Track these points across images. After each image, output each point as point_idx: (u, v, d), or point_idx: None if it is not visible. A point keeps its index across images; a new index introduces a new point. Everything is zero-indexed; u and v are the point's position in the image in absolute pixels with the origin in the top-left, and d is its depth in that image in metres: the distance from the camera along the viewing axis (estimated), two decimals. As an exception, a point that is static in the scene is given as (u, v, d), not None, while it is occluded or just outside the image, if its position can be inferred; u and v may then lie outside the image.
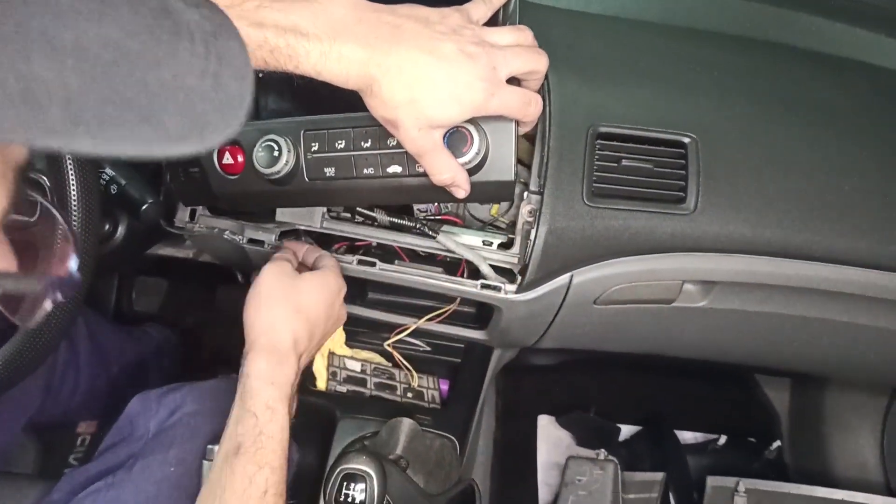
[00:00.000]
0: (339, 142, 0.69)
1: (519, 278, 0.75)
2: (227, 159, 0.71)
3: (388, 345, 0.92)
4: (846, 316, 0.81)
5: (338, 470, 0.68)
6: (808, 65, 0.85)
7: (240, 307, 1.18)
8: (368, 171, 0.68)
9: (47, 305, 0.37)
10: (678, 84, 0.79)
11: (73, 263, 0.39)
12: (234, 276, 1.15)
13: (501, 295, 0.76)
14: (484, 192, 0.67)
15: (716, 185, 0.73)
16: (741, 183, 0.73)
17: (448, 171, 0.60)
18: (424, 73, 0.53)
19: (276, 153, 0.68)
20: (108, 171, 0.75)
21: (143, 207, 0.76)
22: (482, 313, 0.91)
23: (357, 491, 0.67)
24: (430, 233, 0.76)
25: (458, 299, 0.87)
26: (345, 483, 0.67)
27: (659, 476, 1.12)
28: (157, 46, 0.30)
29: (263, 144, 0.69)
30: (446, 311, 0.88)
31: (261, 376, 0.62)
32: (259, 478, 0.58)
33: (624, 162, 0.73)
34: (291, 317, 0.65)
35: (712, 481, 1.12)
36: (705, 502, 1.10)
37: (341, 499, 0.68)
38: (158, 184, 0.82)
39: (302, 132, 0.70)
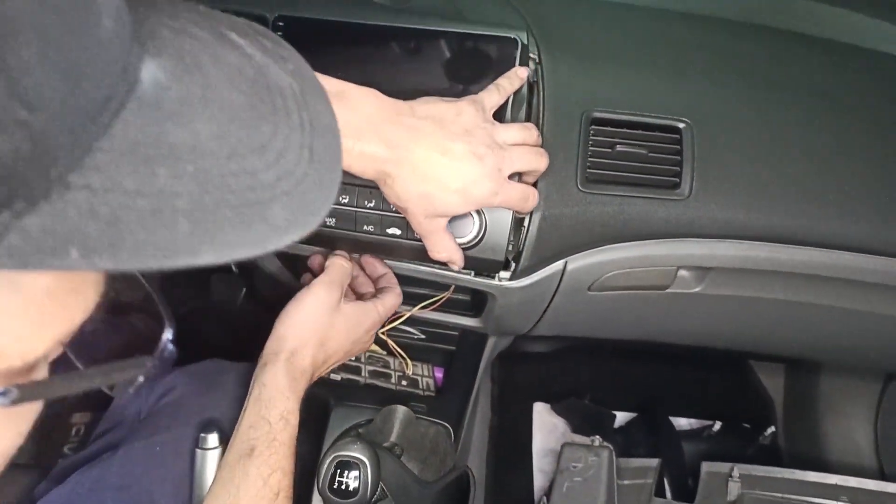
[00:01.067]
0: (344, 196, 0.71)
1: (513, 265, 0.74)
2: None
3: (383, 333, 0.91)
4: (841, 301, 0.81)
5: (331, 457, 0.68)
6: (802, 49, 0.85)
7: (234, 295, 1.18)
8: (368, 227, 0.72)
9: (140, 379, 0.34)
10: (673, 69, 0.79)
11: (167, 336, 0.36)
12: (228, 264, 1.14)
13: (495, 282, 0.76)
14: (475, 264, 0.72)
15: (710, 170, 0.73)
16: (736, 168, 0.73)
17: (446, 251, 0.65)
18: (436, 171, 0.58)
19: None
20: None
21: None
22: (477, 301, 0.91)
23: (350, 478, 0.67)
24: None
25: (453, 287, 0.87)
26: (338, 470, 0.67)
27: (654, 462, 1.13)
28: (261, 127, 0.28)
29: None
30: (441, 299, 0.88)
31: (279, 388, 0.65)
32: (272, 480, 0.60)
33: (618, 147, 0.73)
34: (316, 345, 0.69)
35: (707, 467, 1.12)
36: (700, 488, 1.11)
37: (335, 486, 0.68)
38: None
39: None
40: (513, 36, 0.73)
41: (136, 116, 0.24)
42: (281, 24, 0.73)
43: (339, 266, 0.74)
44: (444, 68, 0.73)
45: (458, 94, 0.66)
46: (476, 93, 0.66)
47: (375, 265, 0.80)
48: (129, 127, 0.24)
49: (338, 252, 0.76)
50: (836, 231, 0.74)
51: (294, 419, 0.66)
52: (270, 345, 0.69)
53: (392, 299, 0.77)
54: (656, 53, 0.80)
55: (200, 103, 0.26)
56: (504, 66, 0.72)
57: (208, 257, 0.25)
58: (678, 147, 0.73)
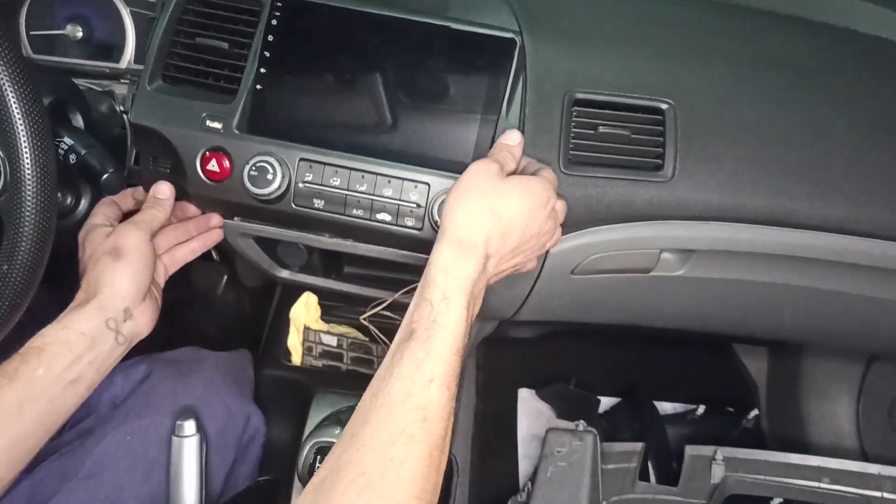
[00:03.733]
0: (335, 178, 0.70)
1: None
2: (213, 166, 0.71)
3: (365, 319, 0.90)
4: (823, 282, 0.81)
5: (311, 443, 0.67)
6: (787, 29, 0.84)
7: (215, 283, 1.16)
8: (358, 212, 0.71)
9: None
10: (656, 50, 0.78)
11: None
12: (209, 252, 1.13)
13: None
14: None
15: (693, 151, 0.72)
16: (719, 149, 0.72)
17: None
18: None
19: (269, 176, 0.69)
20: (67, 139, 0.72)
21: (105, 177, 0.73)
22: (459, 285, 0.90)
23: (331, 465, 0.66)
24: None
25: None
26: (318, 456, 0.67)
27: (638, 446, 1.13)
28: None
29: (257, 164, 0.69)
30: (423, 284, 0.87)
31: (441, 265, 0.61)
32: (426, 365, 0.56)
33: (601, 129, 0.72)
34: (485, 215, 0.63)
35: (690, 450, 1.12)
36: (683, 471, 1.11)
37: (315, 472, 0.67)
38: (121, 151, 0.79)
39: (298, 159, 0.70)
40: (510, 36, 0.72)
41: None
42: (279, 4, 0.72)
43: (497, 150, 0.68)
44: (435, 61, 0.72)
45: (447, 90, 0.69)
46: (464, 90, 0.69)
47: (532, 164, 0.72)
48: None
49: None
50: (819, 212, 0.73)
51: (460, 299, 0.60)
52: (440, 229, 0.64)
53: (551, 175, 0.69)
54: (640, 34, 0.79)
55: None
56: (500, 64, 0.72)
57: None
58: (661, 128, 0.72)
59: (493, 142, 0.71)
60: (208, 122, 0.71)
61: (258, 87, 0.72)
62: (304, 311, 1.02)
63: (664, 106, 0.73)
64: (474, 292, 0.61)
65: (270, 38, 0.72)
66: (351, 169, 0.70)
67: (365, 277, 0.94)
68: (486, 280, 0.64)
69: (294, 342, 0.99)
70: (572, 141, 0.72)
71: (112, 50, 0.84)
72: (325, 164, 0.70)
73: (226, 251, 1.04)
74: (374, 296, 0.91)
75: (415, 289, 0.87)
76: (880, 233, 0.75)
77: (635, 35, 0.79)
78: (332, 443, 0.67)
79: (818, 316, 0.89)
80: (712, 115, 0.74)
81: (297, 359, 0.99)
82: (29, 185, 0.57)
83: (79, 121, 0.79)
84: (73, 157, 0.72)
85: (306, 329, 1.00)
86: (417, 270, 0.86)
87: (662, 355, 1.48)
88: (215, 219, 0.80)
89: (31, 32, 0.84)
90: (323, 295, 1.04)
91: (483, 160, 0.65)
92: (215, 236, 0.81)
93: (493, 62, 0.72)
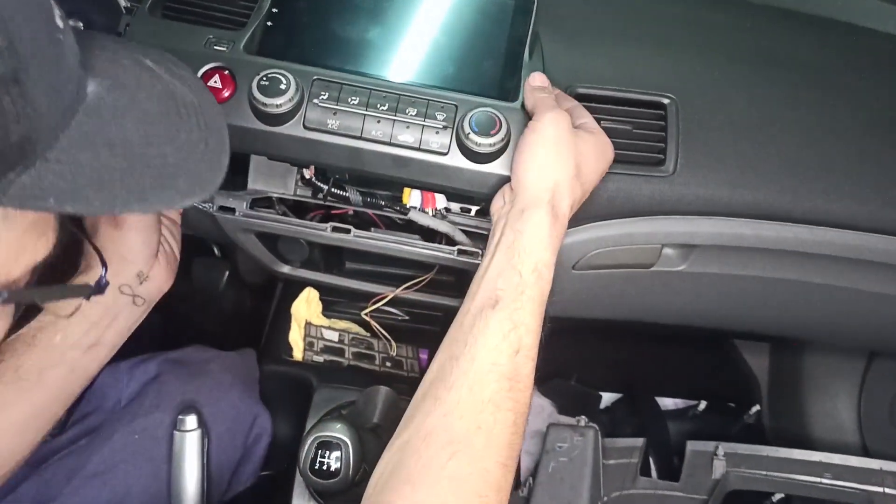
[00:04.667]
0: (353, 98, 0.65)
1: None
2: (215, 82, 0.65)
3: (366, 314, 0.90)
4: (825, 278, 0.81)
5: (312, 437, 0.67)
6: (788, 24, 0.84)
7: (216, 279, 1.16)
8: (377, 133, 0.65)
9: (83, 300, 0.51)
10: (658, 44, 0.78)
11: (102, 272, 0.51)
12: (210, 248, 1.13)
13: (478, 261, 0.75)
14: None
15: (695, 146, 0.72)
16: (720, 144, 0.72)
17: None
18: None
19: (282, 86, 0.63)
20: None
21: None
22: (461, 281, 0.90)
23: (332, 458, 0.67)
24: (401, 210, 0.75)
25: (437, 267, 0.86)
26: (319, 451, 0.67)
27: (639, 442, 1.13)
28: (171, 125, 0.42)
29: (269, 75, 0.64)
30: (424, 279, 0.87)
31: (537, 235, 0.59)
32: (514, 336, 0.56)
33: (602, 124, 0.71)
34: (573, 179, 0.61)
35: (692, 446, 1.12)
36: (685, 466, 1.11)
37: (316, 466, 0.67)
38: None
39: (313, 78, 0.66)
40: None
41: (85, 117, 0.37)
42: None
43: (542, 95, 0.66)
44: (449, 16, 0.72)
45: (460, 43, 0.68)
46: (477, 43, 0.69)
47: (577, 111, 0.70)
48: (81, 124, 0.37)
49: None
50: (821, 207, 0.73)
51: (548, 273, 0.59)
52: (523, 191, 0.61)
53: (588, 114, 0.68)
54: (641, 29, 0.79)
55: (127, 110, 0.40)
56: (515, 20, 0.71)
57: (136, 208, 0.39)
58: (663, 123, 0.72)
59: (520, 77, 0.69)
60: (214, 46, 0.67)
61: (269, 23, 0.69)
62: (306, 307, 1.02)
63: (666, 101, 0.73)
64: (556, 256, 0.61)
65: None
66: (371, 88, 0.66)
67: (366, 273, 0.94)
68: None
69: (295, 337, 1.00)
70: (574, 136, 0.71)
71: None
72: (342, 83, 0.66)
73: (227, 247, 1.04)
74: (376, 291, 0.91)
75: (416, 284, 0.87)
76: (882, 228, 0.75)
77: (637, 30, 0.79)
78: (335, 437, 0.67)
79: (820, 311, 0.89)
80: (714, 110, 0.73)
81: (298, 354, 0.99)
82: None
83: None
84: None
85: (307, 324, 1.00)
86: (418, 265, 0.87)
87: (663, 351, 1.48)
88: None
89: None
90: (324, 290, 1.04)
91: (551, 112, 0.62)
92: None
93: (516, 8, 0.72)
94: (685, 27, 0.80)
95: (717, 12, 0.83)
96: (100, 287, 0.49)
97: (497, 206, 0.64)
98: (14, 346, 0.61)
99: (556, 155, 0.61)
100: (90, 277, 0.60)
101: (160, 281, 0.70)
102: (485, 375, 0.54)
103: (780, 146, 0.73)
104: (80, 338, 0.63)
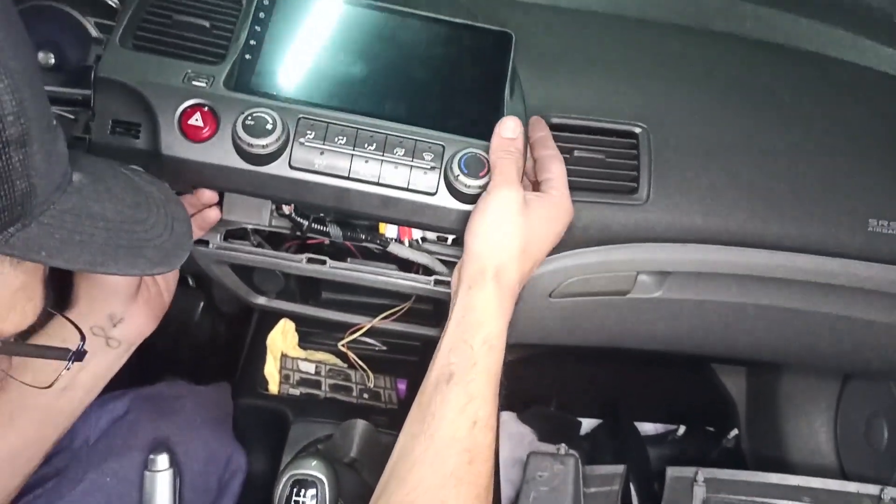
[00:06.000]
0: (340, 138, 0.64)
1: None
2: (196, 121, 0.63)
3: (343, 345, 0.89)
4: (799, 303, 0.82)
5: (287, 475, 0.66)
6: (755, 53, 0.86)
7: (191, 311, 1.14)
8: (364, 173, 0.64)
9: (67, 366, 0.54)
10: (629, 74, 0.79)
11: (80, 341, 0.54)
12: (185, 278, 1.11)
13: (455, 290, 0.74)
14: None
15: (667, 174, 0.73)
16: (692, 172, 0.73)
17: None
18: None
19: (268, 126, 0.62)
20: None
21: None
22: (439, 310, 0.89)
23: (308, 497, 0.65)
24: (382, 243, 0.74)
25: (414, 296, 0.85)
26: (294, 489, 0.65)
27: (620, 469, 1.12)
28: (141, 212, 0.49)
29: (254, 114, 0.62)
30: (401, 309, 0.87)
31: (486, 310, 0.60)
32: (470, 408, 0.56)
33: (576, 153, 0.72)
34: (521, 255, 0.62)
35: (672, 472, 1.12)
36: (665, 493, 1.11)
37: None
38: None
39: (297, 118, 0.64)
40: (509, 31, 0.72)
41: (71, 195, 0.44)
42: None
43: (505, 161, 0.64)
44: (431, 55, 0.72)
45: (442, 83, 0.69)
46: (459, 82, 0.70)
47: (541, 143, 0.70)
48: (68, 200, 0.43)
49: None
50: (792, 233, 0.74)
51: (500, 343, 0.60)
52: (470, 266, 0.62)
53: (563, 184, 0.67)
54: (613, 59, 0.80)
55: (105, 195, 0.47)
56: (495, 59, 0.72)
57: (113, 270, 0.46)
58: (635, 152, 0.73)
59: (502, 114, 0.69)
60: (192, 82, 0.65)
61: (247, 56, 0.67)
62: (282, 338, 1.01)
63: (638, 130, 0.74)
64: (507, 326, 0.62)
65: (261, 15, 0.68)
66: (358, 128, 0.65)
67: (343, 303, 0.93)
68: None
69: (271, 370, 0.98)
70: (548, 165, 0.72)
71: (84, 77, 0.83)
72: (328, 122, 0.65)
73: (202, 277, 1.02)
74: (352, 321, 0.90)
75: (393, 314, 0.87)
76: (851, 253, 0.76)
77: (609, 60, 0.80)
78: (311, 475, 0.66)
79: (793, 336, 0.89)
80: (685, 138, 0.75)
81: (273, 387, 0.98)
82: None
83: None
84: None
85: (283, 356, 0.99)
86: (395, 295, 0.86)
87: (642, 375, 1.48)
88: (207, 195, 0.70)
89: (1, 60, 0.83)
90: (300, 321, 1.03)
91: (503, 185, 0.62)
92: (212, 216, 0.72)
93: (495, 47, 0.72)
94: (656, 58, 0.81)
95: (687, 44, 0.85)
96: (79, 355, 0.53)
97: (454, 279, 0.65)
98: None
99: (501, 235, 0.62)
100: (64, 333, 0.60)
101: (138, 323, 0.69)
102: (445, 450, 0.55)
103: (750, 173, 0.75)
104: (51, 380, 0.62)
